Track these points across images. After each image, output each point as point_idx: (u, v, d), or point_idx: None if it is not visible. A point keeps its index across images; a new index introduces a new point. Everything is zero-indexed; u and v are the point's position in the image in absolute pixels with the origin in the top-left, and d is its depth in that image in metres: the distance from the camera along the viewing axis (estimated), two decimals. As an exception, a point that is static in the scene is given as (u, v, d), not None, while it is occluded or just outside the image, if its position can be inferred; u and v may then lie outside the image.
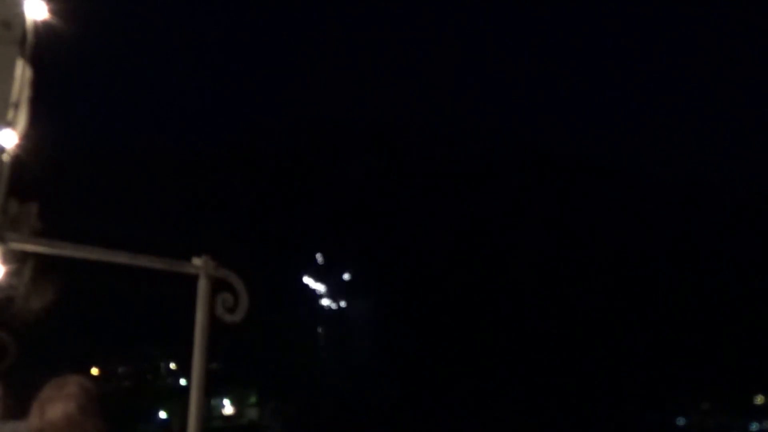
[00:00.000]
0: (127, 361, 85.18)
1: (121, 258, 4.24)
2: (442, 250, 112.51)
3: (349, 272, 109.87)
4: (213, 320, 4.29)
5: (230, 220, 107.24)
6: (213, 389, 75.19)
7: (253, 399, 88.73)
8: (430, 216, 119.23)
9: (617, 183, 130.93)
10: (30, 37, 4.19)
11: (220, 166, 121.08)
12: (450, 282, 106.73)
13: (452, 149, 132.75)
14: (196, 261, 4.35)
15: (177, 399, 70.89)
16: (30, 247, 4.18)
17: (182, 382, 77.23)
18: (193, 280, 4.35)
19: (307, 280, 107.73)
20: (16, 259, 4.45)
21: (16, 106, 4.19)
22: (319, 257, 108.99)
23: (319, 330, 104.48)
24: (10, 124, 4.12)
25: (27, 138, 4.27)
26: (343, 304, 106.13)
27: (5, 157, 4.10)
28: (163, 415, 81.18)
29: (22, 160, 4.19)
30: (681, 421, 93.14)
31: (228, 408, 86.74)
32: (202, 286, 4.32)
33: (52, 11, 4.21)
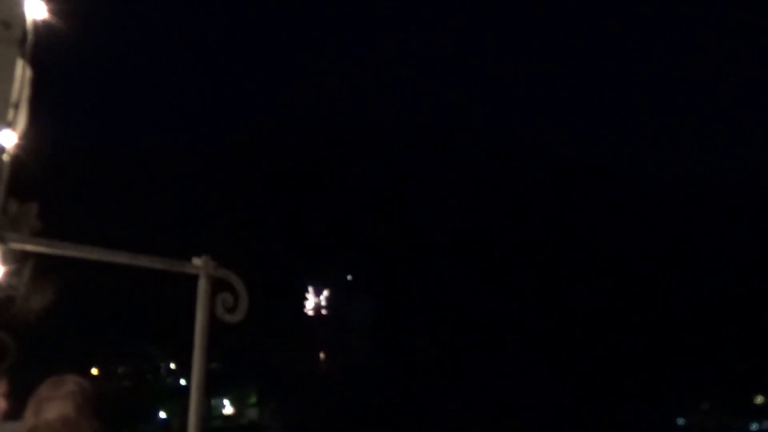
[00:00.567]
0: (127, 361, 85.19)
1: (121, 258, 4.24)
2: (443, 251, 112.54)
3: (350, 272, 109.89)
4: (213, 320, 4.30)
5: (230, 220, 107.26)
6: (213, 389, 75.21)
7: (253, 399, 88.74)
8: (430, 216, 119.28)
9: (617, 183, 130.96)
10: (30, 37, 4.19)
11: (220, 166, 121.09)
12: (450, 282, 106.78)
13: (452, 149, 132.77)
14: (196, 261, 4.35)
15: (177, 399, 70.92)
16: (30, 247, 4.18)
17: (182, 382, 77.26)
18: (193, 280, 4.35)
19: (308, 280, 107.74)
20: (16, 259, 4.45)
21: (16, 106, 4.19)
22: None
23: (319, 330, 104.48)
24: (10, 124, 4.12)
25: (27, 138, 4.27)
26: (343, 304, 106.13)
27: (5, 157, 4.10)
28: (163, 415, 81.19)
29: (22, 160, 4.19)
30: (681, 421, 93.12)
31: (228, 408, 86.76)
32: (202, 286, 4.33)
33: (52, 11, 4.21)
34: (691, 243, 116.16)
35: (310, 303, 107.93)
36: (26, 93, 4.31)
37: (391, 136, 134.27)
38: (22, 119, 4.27)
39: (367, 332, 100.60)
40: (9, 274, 4.44)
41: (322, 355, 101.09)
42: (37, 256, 4.44)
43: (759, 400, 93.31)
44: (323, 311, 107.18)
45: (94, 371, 76.33)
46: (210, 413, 79.80)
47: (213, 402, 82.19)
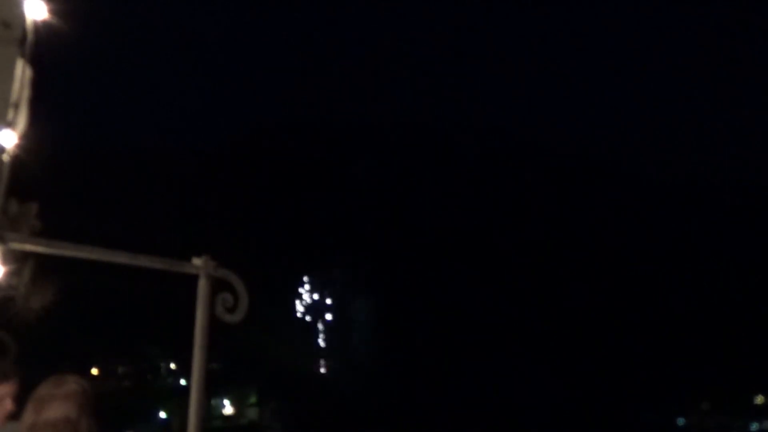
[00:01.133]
0: (127, 361, 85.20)
1: (121, 258, 4.23)
2: (443, 250, 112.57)
3: (350, 272, 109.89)
4: (213, 320, 4.29)
5: (230, 220, 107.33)
6: (213, 389, 75.21)
7: (253, 399, 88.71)
8: (430, 216, 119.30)
9: (617, 183, 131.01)
10: (30, 37, 4.19)
11: (220, 166, 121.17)
12: (450, 282, 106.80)
13: (452, 149, 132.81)
14: (196, 261, 4.35)
15: (177, 399, 70.91)
16: (30, 247, 4.18)
17: (182, 382, 77.27)
18: (193, 280, 4.35)
19: (308, 279, 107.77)
20: (16, 259, 4.44)
21: (16, 106, 4.19)
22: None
23: (319, 330, 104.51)
24: (10, 124, 4.12)
25: (27, 138, 4.27)
26: (343, 304, 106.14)
27: (5, 157, 4.10)
28: (163, 415, 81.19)
29: (22, 160, 4.19)
30: (681, 421, 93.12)
31: (228, 408, 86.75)
32: (202, 286, 4.32)
33: (52, 11, 4.21)
34: (691, 243, 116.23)
35: (310, 303, 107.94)
36: (26, 93, 4.30)
37: (391, 136, 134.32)
38: (22, 119, 4.27)
39: (367, 332, 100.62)
40: (9, 274, 4.44)
41: (322, 355, 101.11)
42: (37, 256, 4.43)
43: (759, 400, 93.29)
44: (323, 311, 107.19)
45: (94, 371, 76.33)
46: (210, 413, 79.81)
47: (213, 402, 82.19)
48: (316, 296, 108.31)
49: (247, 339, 71.66)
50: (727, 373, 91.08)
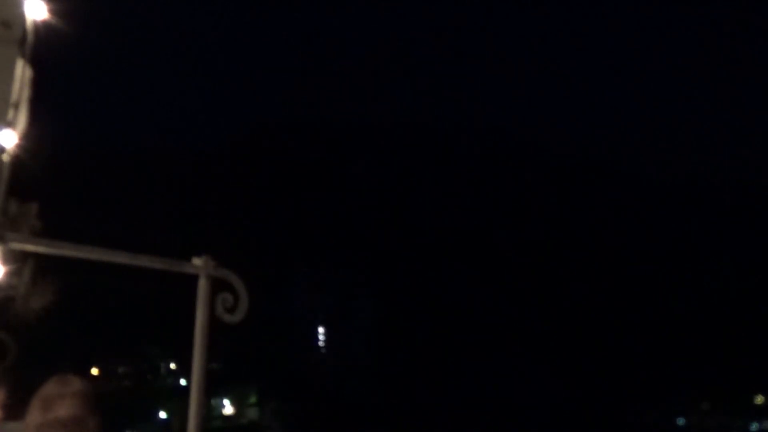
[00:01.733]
0: (127, 361, 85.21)
1: (121, 258, 4.24)
2: (443, 250, 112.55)
3: (350, 272, 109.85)
4: (213, 320, 4.30)
5: (230, 220, 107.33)
6: (213, 389, 75.22)
7: (253, 399, 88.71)
8: (430, 216, 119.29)
9: (617, 183, 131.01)
10: (30, 37, 4.19)
11: (220, 166, 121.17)
12: (450, 282, 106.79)
13: (452, 149, 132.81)
14: (196, 261, 4.35)
15: (177, 399, 70.92)
16: (30, 247, 4.18)
17: (182, 382, 77.27)
18: (193, 280, 4.35)
19: (308, 279, 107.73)
20: (16, 259, 4.45)
21: (16, 106, 4.19)
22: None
23: (319, 330, 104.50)
24: (10, 124, 4.12)
25: (27, 138, 4.27)
26: (343, 304, 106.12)
27: (5, 157, 4.10)
28: (163, 415, 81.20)
29: (22, 160, 4.19)
30: (681, 421, 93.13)
31: (228, 408, 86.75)
32: (202, 286, 4.33)
33: (52, 11, 4.21)
34: (691, 243, 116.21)
35: (310, 303, 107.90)
36: (26, 93, 4.31)
37: (390, 135, 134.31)
38: (22, 119, 4.27)
39: (367, 332, 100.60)
40: (9, 274, 4.44)
41: (322, 355, 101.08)
42: (37, 256, 4.44)
43: (759, 400, 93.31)
44: (323, 311, 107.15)
45: (94, 371, 76.32)
46: (210, 413, 79.81)
47: (213, 402, 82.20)
48: (316, 296, 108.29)
49: (247, 339, 71.63)
50: (727, 373, 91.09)
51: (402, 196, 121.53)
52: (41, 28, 4.18)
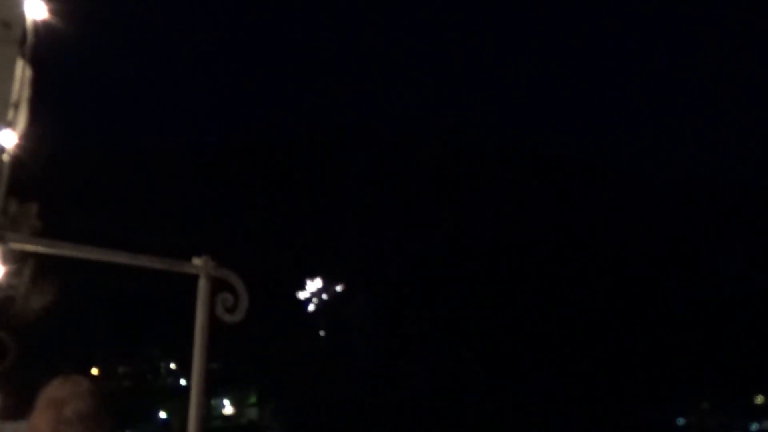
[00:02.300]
0: (127, 361, 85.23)
1: (121, 258, 4.24)
2: (443, 250, 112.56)
3: (350, 272, 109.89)
4: (213, 320, 4.30)
5: (230, 220, 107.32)
6: (213, 389, 75.20)
7: (253, 399, 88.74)
8: (431, 216, 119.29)
9: (617, 183, 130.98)
10: (30, 37, 4.20)
11: (221, 166, 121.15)
12: (450, 282, 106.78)
13: (452, 149, 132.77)
14: (196, 261, 4.36)
15: (177, 399, 70.90)
16: (30, 247, 4.18)
17: (182, 382, 77.26)
18: (193, 280, 4.35)
19: (308, 279, 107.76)
20: (16, 259, 4.45)
21: (16, 106, 4.20)
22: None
23: (319, 330, 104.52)
24: (10, 124, 4.13)
25: (27, 138, 4.27)
26: (343, 304, 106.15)
27: (5, 157, 4.10)
28: (163, 415, 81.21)
29: (22, 160, 4.20)
30: (681, 421, 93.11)
31: (228, 408, 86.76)
32: (202, 286, 4.33)
33: (52, 11, 4.21)
34: (691, 243, 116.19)
35: (310, 303, 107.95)
36: (26, 93, 4.31)
37: (391, 136, 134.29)
38: (22, 119, 4.27)
39: (368, 332, 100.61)
40: (9, 274, 4.44)
41: (322, 355, 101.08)
42: (37, 256, 4.44)
43: (759, 400, 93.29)
44: (324, 311, 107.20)
45: (94, 371, 76.29)
46: (210, 413, 79.80)
47: (213, 402, 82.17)
48: (316, 295, 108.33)
49: (247, 339, 71.63)
50: (727, 373, 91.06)
51: (402, 196, 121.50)
52: (41, 28, 4.18)
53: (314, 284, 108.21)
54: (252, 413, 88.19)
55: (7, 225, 4.28)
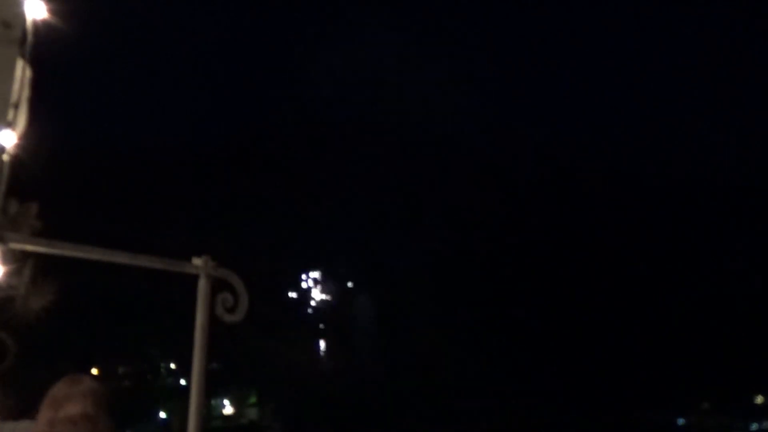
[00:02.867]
0: (127, 361, 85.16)
1: (121, 258, 4.24)
2: (443, 250, 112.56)
3: (350, 272, 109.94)
4: (213, 320, 4.30)
5: (230, 220, 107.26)
6: (213, 389, 75.20)
7: (253, 399, 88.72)
8: (431, 215, 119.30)
9: (617, 183, 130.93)
10: (30, 37, 4.19)
11: (220, 166, 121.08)
12: (450, 282, 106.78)
13: (452, 149, 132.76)
14: (196, 261, 4.36)
15: (177, 399, 70.92)
16: (30, 247, 4.18)
17: (182, 382, 77.24)
18: (193, 280, 4.35)
19: (308, 279, 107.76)
20: (16, 259, 4.45)
21: (16, 106, 4.19)
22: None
23: (320, 329, 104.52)
24: (10, 124, 4.12)
25: (27, 138, 4.27)
26: (343, 304, 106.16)
27: (5, 157, 4.11)
28: (163, 415, 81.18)
29: (22, 160, 4.19)
30: (681, 421, 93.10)
31: (228, 408, 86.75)
32: (202, 286, 4.33)
33: (52, 11, 4.21)
34: (691, 243, 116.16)
35: (310, 303, 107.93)
36: (26, 93, 4.31)
37: (390, 135, 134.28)
38: (22, 119, 4.27)
39: (368, 332, 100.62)
40: (9, 274, 4.45)
41: (322, 355, 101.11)
42: (37, 256, 4.44)
43: (759, 400, 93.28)
44: (324, 311, 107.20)
45: (94, 371, 76.25)
46: (210, 413, 79.79)
47: (213, 402, 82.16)
48: (316, 296, 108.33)
49: (247, 339, 71.63)
50: (727, 373, 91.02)
51: (402, 196, 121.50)
52: (41, 28, 4.18)
53: (314, 284, 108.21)
54: (252, 413, 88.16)
55: (7, 225, 4.28)
